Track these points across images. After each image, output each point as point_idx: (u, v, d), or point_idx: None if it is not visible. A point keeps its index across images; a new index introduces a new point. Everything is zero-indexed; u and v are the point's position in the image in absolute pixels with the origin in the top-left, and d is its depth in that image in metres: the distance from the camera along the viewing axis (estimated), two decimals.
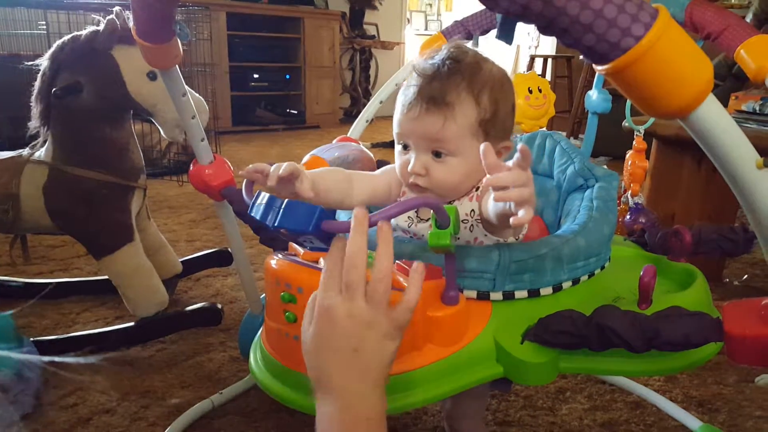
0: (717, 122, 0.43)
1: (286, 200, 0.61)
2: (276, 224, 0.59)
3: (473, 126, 0.74)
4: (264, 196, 0.62)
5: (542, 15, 0.39)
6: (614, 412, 1.24)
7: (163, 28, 0.82)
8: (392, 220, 0.80)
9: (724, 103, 2.00)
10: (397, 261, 0.67)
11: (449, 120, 0.73)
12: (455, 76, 0.73)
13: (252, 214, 0.63)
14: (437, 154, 0.75)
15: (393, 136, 0.79)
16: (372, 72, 6.39)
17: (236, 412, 1.22)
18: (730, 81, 2.72)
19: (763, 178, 0.45)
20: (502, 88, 0.77)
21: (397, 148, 0.79)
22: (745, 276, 2.02)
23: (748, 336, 0.55)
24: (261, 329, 0.75)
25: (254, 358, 0.73)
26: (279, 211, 0.60)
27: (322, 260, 0.65)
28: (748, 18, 2.65)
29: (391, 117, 0.83)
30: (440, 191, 0.77)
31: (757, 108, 1.84)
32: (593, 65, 0.42)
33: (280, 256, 0.67)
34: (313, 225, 0.59)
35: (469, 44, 1.31)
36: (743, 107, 1.88)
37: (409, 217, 0.80)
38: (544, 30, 0.41)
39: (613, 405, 1.26)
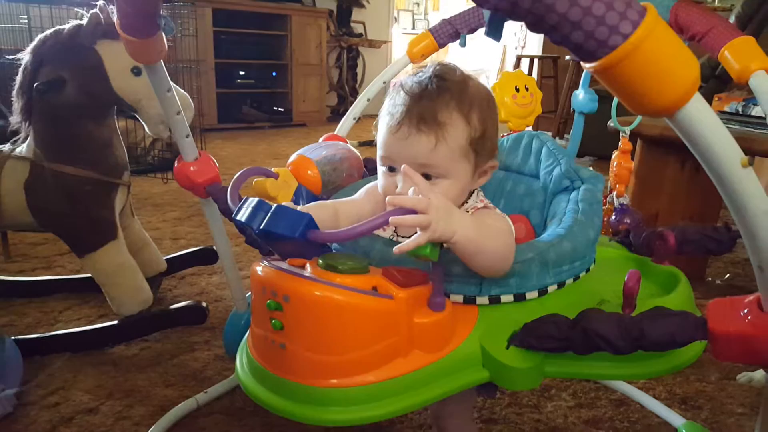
0: (703, 121, 0.43)
1: (275, 205, 0.60)
2: (263, 227, 0.59)
3: (464, 146, 0.73)
4: (252, 200, 0.62)
5: (531, 12, 0.39)
6: (598, 410, 1.25)
7: (148, 22, 0.81)
8: (375, 233, 0.80)
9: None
10: (384, 266, 0.66)
11: (441, 141, 0.71)
12: (444, 95, 0.72)
13: (238, 218, 0.62)
14: (426, 177, 0.73)
15: (377, 155, 0.77)
16: (359, 70, 6.39)
17: (221, 411, 1.21)
18: (713, 83, 2.75)
19: (747, 177, 0.45)
20: (489, 107, 0.77)
21: (381, 169, 0.77)
22: (727, 275, 2.05)
23: (732, 333, 0.56)
24: (247, 334, 0.75)
25: (240, 363, 0.73)
26: (267, 215, 0.60)
27: (308, 266, 0.65)
28: (731, 20, 2.68)
29: (378, 115, 0.82)
30: None
31: (740, 109, 1.87)
32: (581, 63, 0.43)
33: (266, 262, 0.67)
34: (300, 232, 0.59)
35: (457, 43, 1.32)
36: (726, 108, 1.91)
37: (391, 234, 0.80)
38: (532, 27, 0.41)
39: (597, 402, 1.27)
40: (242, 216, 0.62)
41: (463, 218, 0.63)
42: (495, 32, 0.44)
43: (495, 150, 0.80)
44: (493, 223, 0.73)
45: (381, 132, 0.75)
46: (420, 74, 0.74)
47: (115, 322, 1.49)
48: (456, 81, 0.74)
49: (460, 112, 0.72)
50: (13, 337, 1.35)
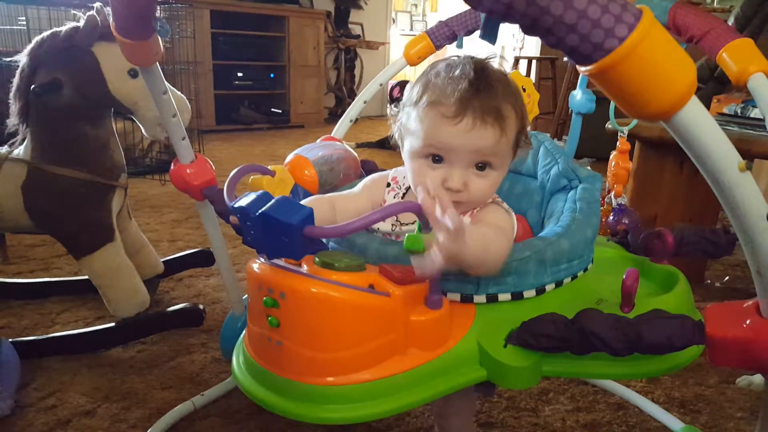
0: (700, 125, 0.43)
1: (279, 196, 0.60)
2: (263, 210, 0.58)
3: (515, 139, 0.75)
4: (256, 193, 0.62)
5: (526, 15, 0.39)
6: (597, 413, 1.24)
7: (143, 25, 0.80)
8: (376, 224, 0.80)
9: (706, 105, 2.02)
10: (382, 264, 0.66)
11: (503, 134, 0.72)
12: (497, 87, 0.72)
13: (237, 205, 0.62)
14: (481, 167, 0.73)
15: (414, 147, 0.75)
16: (357, 72, 6.38)
17: (218, 414, 1.21)
18: (712, 84, 2.75)
19: (745, 181, 0.45)
20: (522, 97, 0.78)
21: (422, 161, 0.75)
22: (726, 277, 2.04)
23: (729, 338, 0.55)
24: (244, 332, 0.74)
25: (237, 361, 0.73)
26: (267, 202, 0.59)
27: (305, 265, 0.64)
28: (730, 21, 2.68)
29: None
30: (474, 204, 0.76)
31: (739, 111, 1.86)
32: (577, 66, 0.42)
33: (262, 259, 0.66)
34: (298, 221, 0.58)
35: (453, 45, 1.31)
36: (725, 110, 1.90)
37: (393, 223, 0.80)
38: (527, 30, 0.40)
39: (595, 406, 1.27)
40: (243, 203, 0.61)
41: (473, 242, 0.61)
42: (490, 35, 0.44)
43: (529, 146, 0.81)
44: (495, 223, 0.73)
45: (427, 122, 0.73)
46: (459, 65, 0.73)
47: (112, 324, 1.48)
48: (500, 73, 0.75)
49: (512, 105, 0.73)
50: (10, 340, 1.34)
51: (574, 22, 0.39)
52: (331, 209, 0.80)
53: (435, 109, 0.72)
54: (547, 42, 0.41)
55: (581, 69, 0.42)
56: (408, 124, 0.76)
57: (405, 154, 0.78)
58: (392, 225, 0.80)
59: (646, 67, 0.40)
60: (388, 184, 0.85)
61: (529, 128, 1.20)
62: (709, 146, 0.44)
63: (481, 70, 0.73)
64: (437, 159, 0.74)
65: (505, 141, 0.73)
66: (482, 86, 0.71)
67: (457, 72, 0.72)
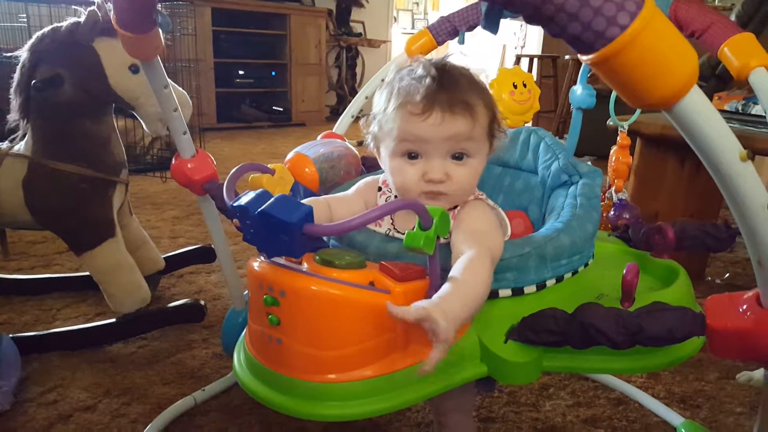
0: (701, 114, 0.43)
1: (279, 194, 0.60)
2: (263, 209, 0.58)
3: (487, 128, 0.77)
4: (257, 191, 0.62)
5: (527, 3, 0.39)
6: (597, 408, 1.24)
7: (144, 18, 0.80)
8: (372, 229, 0.80)
9: None
10: (381, 261, 0.66)
11: (476, 121, 0.74)
12: (461, 80, 0.74)
13: (237, 204, 0.62)
14: (458, 157, 0.75)
15: (390, 147, 0.76)
16: (358, 70, 6.38)
17: (219, 409, 1.21)
18: (713, 81, 2.74)
19: (746, 170, 0.45)
20: (488, 89, 0.79)
21: (399, 160, 0.76)
22: (727, 274, 2.04)
23: (730, 329, 0.56)
24: (245, 331, 0.75)
25: (238, 359, 0.73)
26: (267, 200, 0.59)
27: (305, 263, 0.64)
28: (731, 19, 2.68)
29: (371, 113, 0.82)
30: (459, 195, 0.77)
31: (740, 108, 1.86)
32: (579, 55, 0.42)
33: (262, 258, 0.67)
34: (298, 218, 0.58)
35: (455, 41, 1.31)
36: (726, 107, 1.90)
37: (388, 228, 0.80)
38: (529, 19, 0.40)
39: (596, 401, 1.27)
40: (242, 201, 0.61)
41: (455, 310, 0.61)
42: (492, 24, 0.44)
43: (503, 134, 0.82)
44: (475, 228, 0.72)
45: (398, 121, 0.74)
46: (420, 66, 0.75)
47: (113, 320, 1.48)
48: (461, 68, 0.76)
49: (479, 96, 0.75)
50: (11, 335, 1.34)
51: (576, 10, 0.39)
52: (328, 210, 0.80)
53: (404, 109, 0.74)
54: (549, 31, 0.41)
55: (583, 58, 0.42)
56: (380, 131, 0.78)
57: (383, 161, 0.80)
58: (387, 230, 0.80)
59: (648, 56, 0.40)
60: (380, 188, 0.86)
61: (530, 124, 1.21)
62: (711, 135, 0.44)
63: (442, 67, 0.75)
64: (413, 155, 0.75)
65: (479, 128, 0.75)
66: (445, 81, 0.73)
67: (419, 72, 0.74)
